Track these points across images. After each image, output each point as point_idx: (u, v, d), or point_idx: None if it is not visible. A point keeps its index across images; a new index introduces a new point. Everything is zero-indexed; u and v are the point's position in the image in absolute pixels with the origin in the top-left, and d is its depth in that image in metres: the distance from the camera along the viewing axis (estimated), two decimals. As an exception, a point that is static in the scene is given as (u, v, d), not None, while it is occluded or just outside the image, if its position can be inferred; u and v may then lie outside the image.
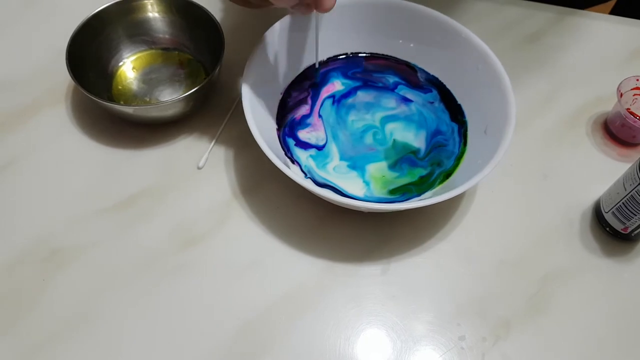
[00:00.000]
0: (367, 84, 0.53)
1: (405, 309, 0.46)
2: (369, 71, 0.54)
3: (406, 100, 0.52)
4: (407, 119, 0.52)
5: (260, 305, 0.45)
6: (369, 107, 0.52)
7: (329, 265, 0.47)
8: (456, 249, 0.48)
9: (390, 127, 0.51)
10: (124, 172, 0.51)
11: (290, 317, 0.45)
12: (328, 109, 0.52)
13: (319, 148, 0.50)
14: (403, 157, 0.50)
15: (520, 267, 0.48)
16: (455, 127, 0.51)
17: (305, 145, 0.50)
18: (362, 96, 0.53)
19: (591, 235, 0.50)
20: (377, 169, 0.49)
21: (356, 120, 0.52)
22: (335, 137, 0.51)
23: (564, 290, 0.47)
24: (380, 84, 0.53)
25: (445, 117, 0.52)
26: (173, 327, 0.44)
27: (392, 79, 0.54)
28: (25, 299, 0.45)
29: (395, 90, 0.53)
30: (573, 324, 0.46)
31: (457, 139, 0.50)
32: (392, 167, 0.49)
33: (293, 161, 0.49)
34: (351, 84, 0.54)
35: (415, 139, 0.51)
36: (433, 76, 0.54)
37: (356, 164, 0.49)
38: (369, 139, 0.51)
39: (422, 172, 0.49)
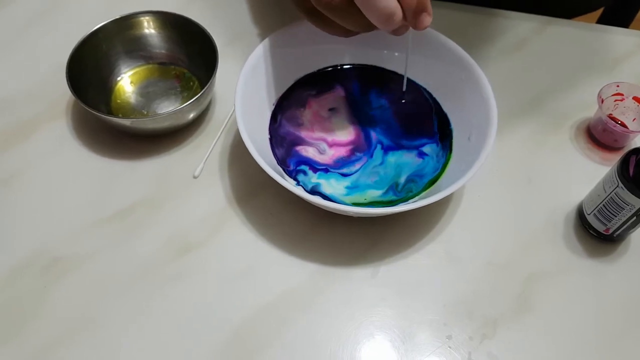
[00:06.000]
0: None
1: (394, 310, 0.47)
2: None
3: (423, 155, 0.53)
4: (414, 164, 0.52)
5: (254, 309, 0.47)
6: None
7: (321, 269, 0.49)
8: (444, 252, 0.50)
9: (398, 167, 0.52)
10: (122, 183, 0.53)
11: (283, 319, 0.47)
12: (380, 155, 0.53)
13: (344, 175, 0.52)
14: (392, 185, 0.51)
15: (506, 268, 0.50)
16: (440, 167, 0.52)
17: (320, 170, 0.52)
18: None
19: (575, 236, 0.51)
20: (371, 193, 0.51)
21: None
22: (364, 169, 0.52)
23: (548, 290, 0.48)
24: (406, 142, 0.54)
25: (440, 163, 0.52)
26: (170, 332, 0.46)
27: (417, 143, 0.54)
28: (26, 307, 0.47)
29: (421, 149, 0.53)
30: (557, 323, 0.47)
31: (434, 173, 0.52)
32: (385, 194, 0.51)
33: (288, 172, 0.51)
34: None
35: (402, 176, 0.52)
36: (424, 88, 0.56)
37: (357, 188, 0.51)
38: (376, 174, 0.52)
39: (393, 197, 0.50)
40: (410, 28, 0.44)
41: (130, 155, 0.54)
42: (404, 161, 0.52)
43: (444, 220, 0.52)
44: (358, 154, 0.53)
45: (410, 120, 0.55)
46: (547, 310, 0.48)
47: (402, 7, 0.41)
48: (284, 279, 0.48)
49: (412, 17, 0.42)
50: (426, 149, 0.53)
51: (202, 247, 0.50)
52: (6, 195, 0.52)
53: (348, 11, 0.42)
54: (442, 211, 0.52)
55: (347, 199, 0.50)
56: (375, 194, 0.50)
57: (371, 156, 0.53)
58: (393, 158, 0.52)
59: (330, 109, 0.55)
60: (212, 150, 0.55)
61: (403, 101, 0.55)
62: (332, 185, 0.51)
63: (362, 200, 0.50)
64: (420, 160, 0.52)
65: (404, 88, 0.55)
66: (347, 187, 0.51)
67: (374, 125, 0.54)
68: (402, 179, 0.51)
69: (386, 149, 0.53)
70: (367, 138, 0.54)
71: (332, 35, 0.48)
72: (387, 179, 0.51)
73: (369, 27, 0.43)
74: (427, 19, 0.42)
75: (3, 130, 0.56)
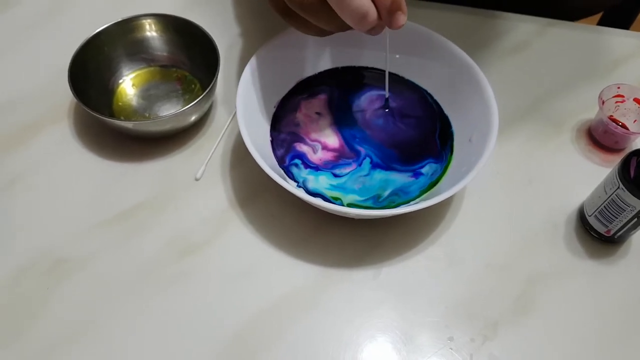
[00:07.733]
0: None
1: (395, 312, 0.47)
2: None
3: (418, 175, 0.52)
4: (401, 181, 0.52)
5: (257, 311, 0.47)
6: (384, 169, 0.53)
7: (323, 271, 0.49)
8: (445, 254, 0.50)
9: (384, 182, 0.52)
10: (124, 185, 0.53)
11: (285, 321, 0.47)
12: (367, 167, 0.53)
13: (335, 175, 0.52)
14: (374, 196, 0.51)
15: (507, 269, 0.50)
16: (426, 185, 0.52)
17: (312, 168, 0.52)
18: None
19: (576, 238, 0.51)
20: (352, 197, 0.51)
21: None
22: (352, 174, 0.52)
23: (549, 292, 0.49)
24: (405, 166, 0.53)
25: (432, 179, 0.52)
26: (174, 333, 0.46)
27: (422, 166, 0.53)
28: (29, 309, 0.47)
29: (419, 170, 0.52)
30: (558, 325, 0.47)
31: (419, 190, 0.51)
32: (364, 201, 0.51)
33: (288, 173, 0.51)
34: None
35: (387, 190, 0.51)
36: (425, 90, 0.56)
37: (343, 189, 0.51)
38: (361, 183, 0.52)
39: (372, 205, 0.50)
40: (388, 30, 0.44)
41: (132, 158, 0.54)
42: (392, 178, 0.52)
43: (445, 222, 0.52)
44: (346, 160, 0.53)
45: (409, 143, 0.54)
46: (549, 311, 0.48)
47: (376, 6, 0.41)
48: (286, 281, 0.48)
49: (386, 16, 0.42)
50: (425, 169, 0.52)
51: (203, 249, 0.50)
52: (9, 197, 0.52)
53: (321, 10, 0.42)
54: (443, 213, 0.52)
55: (329, 193, 0.50)
56: (356, 198, 0.51)
57: (360, 164, 0.52)
58: (380, 175, 0.52)
59: (317, 113, 0.55)
60: (213, 152, 0.55)
61: (386, 110, 0.55)
62: (319, 181, 0.51)
63: (342, 198, 0.50)
64: (412, 179, 0.52)
65: (387, 94, 0.54)
66: (332, 185, 0.51)
67: (363, 136, 0.54)
68: (386, 193, 0.51)
69: (375, 165, 0.52)
70: (352, 149, 0.53)
71: (330, 37, 0.47)
72: (371, 190, 0.51)
73: (343, 26, 0.43)
74: (401, 18, 0.42)
75: (6, 133, 0.56)
